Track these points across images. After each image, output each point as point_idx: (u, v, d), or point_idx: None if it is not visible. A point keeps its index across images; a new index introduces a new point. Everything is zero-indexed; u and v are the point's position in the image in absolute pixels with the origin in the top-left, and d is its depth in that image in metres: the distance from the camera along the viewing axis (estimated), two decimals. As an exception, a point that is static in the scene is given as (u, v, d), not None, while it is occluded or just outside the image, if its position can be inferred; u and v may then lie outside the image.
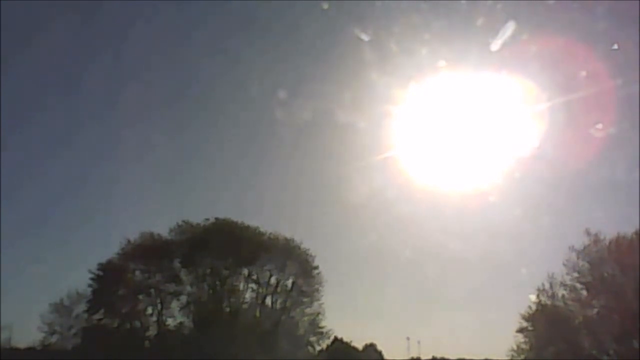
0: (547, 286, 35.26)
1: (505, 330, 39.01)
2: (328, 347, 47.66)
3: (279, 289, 45.70)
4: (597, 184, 45.67)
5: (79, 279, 44.09)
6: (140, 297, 44.54)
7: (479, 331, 53.65)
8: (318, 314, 46.21)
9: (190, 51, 54.76)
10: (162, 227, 46.07)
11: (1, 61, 46.35)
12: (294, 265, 45.71)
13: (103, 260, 44.22)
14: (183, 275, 44.90)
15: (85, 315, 43.46)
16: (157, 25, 54.30)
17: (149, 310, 45.02)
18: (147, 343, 44.41)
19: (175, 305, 44.84)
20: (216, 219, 45.60)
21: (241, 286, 45.77)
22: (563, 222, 48.00)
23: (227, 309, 44.78)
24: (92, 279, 43.57)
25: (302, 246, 46.12)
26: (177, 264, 44.94)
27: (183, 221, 45.70)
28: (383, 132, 43.32)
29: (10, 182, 53.35)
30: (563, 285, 35.02)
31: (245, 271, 45.54)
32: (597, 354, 33.79)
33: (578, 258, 34.29)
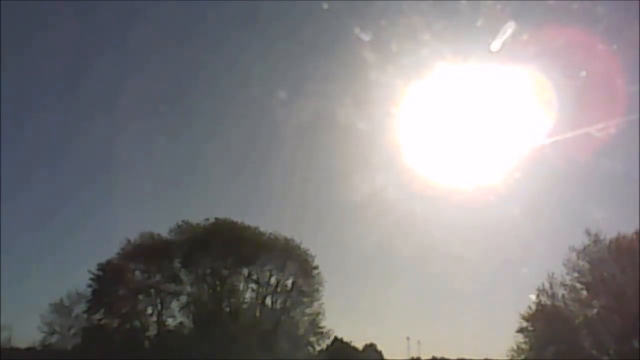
0: (547, 286, 35.26)
1: (505, 330, 38.99)
2: (328, 347, 47.65)
3: (279, 289, 45.72)
4: (598, 183, 45.76)
5: (79, 279, 44.32)
6: (140, 297, 44.60)
7: (479, 331, 53.71)
8: (318, 314, 46.30)
9: (190, 51, 54.69)
10: (162, 227, 46.27)
11: (1, 61, 46.35)
12: (294, 265, 45.72)
13: (103, 260, 44.37)
14: (183, 275, 45.02)
15: (85, 315, 43.54)
16: (157, 25, 54.25)
17: (149, 310, 45.19)
18: (147, 343, 44.43)
19: (175, 305, 45.01)
20: (216, 219, 45.65)
21: (241, 286, 45.90)
22: (563, 222, 48.05)
23: (227, 309, 44.82)
24: (92, 279, 43.64)
25: (302, 246, 46.21)
26: (177, 264, 45.04)
27: (183, 221, 45.83)
28: (384, 132, 43.35)
29: (10, 182, 53.42)
30: (563, 285, 35.03)
31: (245, 271, 45.63)
32: (597, 354, 33.75)
33: (578, 258, 34.31)
